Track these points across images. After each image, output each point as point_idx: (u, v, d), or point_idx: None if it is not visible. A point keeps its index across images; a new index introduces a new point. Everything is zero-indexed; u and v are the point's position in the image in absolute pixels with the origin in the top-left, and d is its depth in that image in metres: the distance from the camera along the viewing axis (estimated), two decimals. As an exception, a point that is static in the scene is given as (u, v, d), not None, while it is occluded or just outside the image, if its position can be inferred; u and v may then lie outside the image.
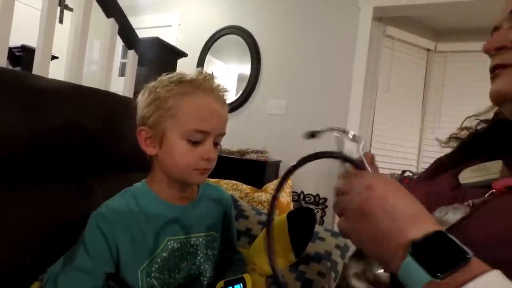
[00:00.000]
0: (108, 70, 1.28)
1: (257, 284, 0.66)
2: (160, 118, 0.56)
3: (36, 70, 1.02)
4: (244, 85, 2.27)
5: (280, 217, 0.77)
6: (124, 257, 0.54)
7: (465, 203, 0.37)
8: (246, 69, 2.28)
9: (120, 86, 1.47)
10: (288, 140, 2.08)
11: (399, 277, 0.29)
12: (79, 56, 1.14)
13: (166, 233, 0.57)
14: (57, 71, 1.23)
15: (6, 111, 0.61)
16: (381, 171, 2.04)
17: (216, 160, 0.60)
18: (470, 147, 0.47)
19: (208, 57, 2.46)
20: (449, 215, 0.36)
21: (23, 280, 0.56)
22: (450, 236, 0.28)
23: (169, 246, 0.57)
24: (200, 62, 2.46)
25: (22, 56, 1.76)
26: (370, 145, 2.02)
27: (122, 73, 2.78)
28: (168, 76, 0.59)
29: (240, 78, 2.36)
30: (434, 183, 0.48)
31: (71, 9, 2.73)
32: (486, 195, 0.36)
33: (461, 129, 0.52)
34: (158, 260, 0.56)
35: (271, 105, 2.16)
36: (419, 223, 0.30)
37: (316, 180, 1.99)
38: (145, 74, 1.38)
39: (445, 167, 0.48)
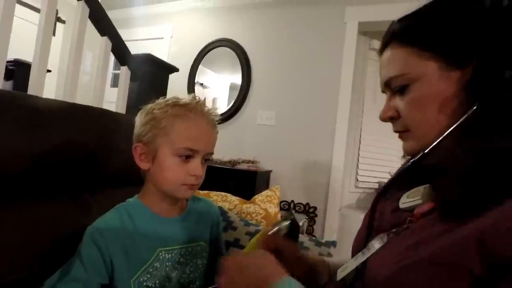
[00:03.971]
0: (102, 86, 1.31)
1: None
2: (154, 136, 0.62)
3: (32, 86, 1.05)
4: (235, 94, 2.32)
5: (265, 229, 0.81)
6: (117, 269, 0.58)
7: (388, 232, 0.44)
8: (237, 79, 2.33)
9: (113, 96, 1.50)
10: (279, 150, 2.13)
11: None
12: (73, 72, 1.18)
13: (158, 245, 0.62)
14: (49, 83, 1.26)
15: (4, 131, 0.64)
16: (369, 179, 2.09)
17: (203, 177, 0.65)
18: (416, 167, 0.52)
19: (200, 67, 2.51)
20: (375, 244, 0.44)
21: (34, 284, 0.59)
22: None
23: (161, 257, 0.61)
24: (192, 73, 2.51)
25: (15, 70, 1.78)
26: (358, 154, 2.08)
27: (114, 84, 2.81)
28: (164, 99, 0.65)
29: (232, 87, 2.41)
30: (382, 203, 0.54)
31: (63, 22, 2.77)
32: (406, 224, 0.43)
33: None
34: (150, 270, 0.60)
35: (262, 115, 2.22)
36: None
37: (306, 189, 2.03)
38: (137, 88, 1.42)
39: (395, 185, 0.53)
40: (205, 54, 2.49)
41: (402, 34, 0.45)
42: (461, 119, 0.39)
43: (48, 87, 1.27)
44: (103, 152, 0.87)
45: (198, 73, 2.51)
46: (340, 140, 1.98)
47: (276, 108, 2.17)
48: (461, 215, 0.36)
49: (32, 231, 0.67)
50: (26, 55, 1.65)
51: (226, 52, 2.39)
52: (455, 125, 0.40)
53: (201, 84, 2.55)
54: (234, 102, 2.31)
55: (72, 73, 1.18)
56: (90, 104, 1.31)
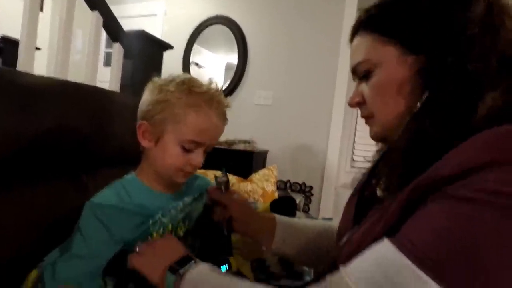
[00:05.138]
0: (94, 64, 1.28)
1: (242, 267, 0.71)
2: (163, 120, 0.60)
3: (21, 63, 1.02)
4: (231, 74, 2.28)
5: (263, 205, 0.83)
6: (126, 236, 0.59)
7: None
8: (233, 58, 2.29)
9: (106, 76, 1.47)
10: (275, 130, 2.12)
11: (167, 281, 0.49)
12: (63, 49, 1.14)
13: (157, 212, 0.62)
14: (39, 61, 1.22)
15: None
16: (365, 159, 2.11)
17: (202, 165, 0.64)
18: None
19: (195, 46, 2.45)
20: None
21: (22, 270, 0.60)
22: (190, 255, 0.51)
23: (162, 221, 0.63)
24: (187, 52, 2.45)
25: (3, 47, 1.72)
26: (355, 134, 2.08)
27: (107, 63, 2.74)
28: (180, 79, 0.62)
29: (228, 67, 2.37)
30: (349, 203, 0.59)
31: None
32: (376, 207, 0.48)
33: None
34: (154, 235, 0.61)
35: (259, 95, 2.19)
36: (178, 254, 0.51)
37: (302, 169, 2.05)
38: (131, 67, 1.38)
39: (362, 185, 0.58)
40: (200, 32, 2.42)
41: (367, 22, 0.49)
42: (418, 106, 0.42)
43: (39, 66, 1.23)
44: (97, 131, 0.85)
45: (193, 52, 2.45)
46: (336, 119, 1.98)
47: (273, 88, 2.15)
48: (396, 189, 0.40)
49: (28, 213, 0.67)
50: (13, 32, 1.59)
51: (221, 30, 2.33)
52: (415, 111, 0.43)
53: (196, 64, 2.49)
54: (230, 82, 2.27)
55: (62, 50, 1.14)
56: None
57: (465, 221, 0.31)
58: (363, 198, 0.55)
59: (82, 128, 0.80)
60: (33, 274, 0.58)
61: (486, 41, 0.39)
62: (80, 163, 0.84)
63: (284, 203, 0.81)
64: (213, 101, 0.60)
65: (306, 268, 0.85)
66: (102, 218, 0.57)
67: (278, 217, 0.70)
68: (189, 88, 0.60)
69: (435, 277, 0.29)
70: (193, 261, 0.50)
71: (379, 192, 0.50)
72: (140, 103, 0.64)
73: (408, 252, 0.32)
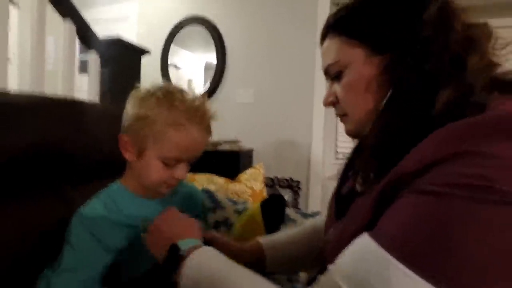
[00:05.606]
0: (70, 73, 1.24)
1: None
2: (143, 136, 0.59)
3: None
4: (211, 73, 2.27)
5: (253, 206, 0.84)
6: (117, 245, 0.59)
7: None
8: (212, 57, 2.27)
9: (81, 84, 1.43)
10: (259, 128, 2.14)
11: None
12: (38, 60, 1.10)
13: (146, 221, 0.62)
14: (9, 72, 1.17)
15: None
16: (348, 150, 2.16)
17: (185, 178, 0.64)
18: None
19: (173, 47, 2.42)
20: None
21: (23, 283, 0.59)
22: (176, 244, 0.50)
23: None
24: (165, 54, 2.42)
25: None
26: (336, 127, 2.13)
27: (81, 69, 2.65)
28: (160, 93, 0.59)
29: (207, 67, 2.35)
30: (332, 198, 0.62)
31: (17, 4, 2.54)
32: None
33: None
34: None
35: (240, 93, 2.20)
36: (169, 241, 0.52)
37: (288, 164, 2.08)
38: (109, 74, 1.35)
39: (340, 180, 0.61)
40: (176, 33, 2.39)
41: (335, 25, 0.51)
42: (383, 103, 0.45)
43: (10, 77, 1.18)
44: (80, 144, 0.84)
45: (170, 54, 2.42)
46: (318, 112, 2.01)
47: (254, 86, 2.16)
48: (373, 183, 0.43)
49: (17, 229, 0.66)
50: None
51: (198, 30, 2.31)
52: (381, 107, 0.45)
53: (175, 66, 2.47)
54: (211, 82, 2.26)
55: (36, 61, 1.11)
56: (59, 94, 1.25)
57: (431, 211, 0.33)
58: (342, 193, 0.57)
59: (65, 142, 0.79)
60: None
61: (439, 42, 0.42)
62: (65, 175, 0.83)
63: (274, 202, 0.83)
64: (195, 117, 0.58)
65: None
66: (90, 229, 0.57)
67: (265, 243, 0.70)
68: (170, 103, 0.58)
69: (412, 266, 0.31)
70: (180, 253, 0.49)
71: (358, 186, 0.52)
72: (123, 114, 0.63)
73: (382, 242, 0.34)
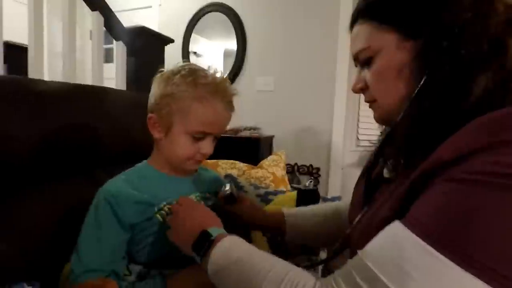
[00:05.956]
0: (100, 65, 1.30)
1: (260, 243, 0.77)
2: (170, 113, 0.62)
3: (31, 69, 1.05)
4: (230, 61, 2.28)
5: (290, 193, 0.91)
6: (133, 221, 0.60)
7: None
8: (231, 44, 2.28)
9: (107, 73, 1.48)
10: (279, 115, 2.14)
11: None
12: (70, 52, 1.16)
13: (168, 197, 0.63)
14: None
15: (15, 117, 0.66)
16: (369, 137, 2.13)
17: (212, 152, 0.66)
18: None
19: (193, 36, 2.44)
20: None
21: (58, 264, 0.65)
22: (208, 230, 0.52)
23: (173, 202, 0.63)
24: (185, 42, 2.45)
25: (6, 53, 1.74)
26: (358, 114, 2.10)
27: (106, 59, 2.74)
28: (185, 71, 0.62)
29: (226, 54, 2.36)
30: (359, 185, 0.62)
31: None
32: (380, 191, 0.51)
33: None
34: (163, 213, 0.62)
35: (260, 81, 2.20)
36: (199, 229, 0.53)
37: (309, 151, 2.08)
38: (134, 64, 1.40)
39: (369, 166, 0.60)
40: (196, 21, 2.41)
41: (365, 10, 0.50)
42: (416, 90, 0.44)
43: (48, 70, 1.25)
44: (109, 129, 0.89)
45: (191, 42, 2.45)
46: (340, 99, 1.99)
47: (274, 74, 2.15)
48: (402, 171, 0.43)
49: (52, 209, 0.71)
50: (14, 37, 1.60)
51: (218, 17, 2.31)
52: (414, 94, 0.44)
53: (195, 53, 2.50)
54: (231, 70, 2.28)
55: (68, 53, 1.17)
56: (90, 83, 1.31)
57: (464, 199, 0.33)
58: (371, 179, 0.57)
59: (95, 127, 0.85)
60: (67, 266, 0.62)
61: (477, 25, 0.40)
62: (95, 160, 0.89)
63: (309, 194, 0.90)
64: (218, 92, 0.61)
65: None
66: (111, 202, 0.59)
67: (287, 211, 0.74)
68: (194, 80, 0.60)
69: (445, 251, 0.32)
70: (211, 237, 0.51)
71: (385, 173, 0.53)
72: (149, 95, 0.66)
73: (415, 229, 0.34)
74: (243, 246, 0.50)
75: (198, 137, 0.62)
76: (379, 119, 0.54)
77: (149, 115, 0.65)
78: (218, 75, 0.64)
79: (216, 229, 0.53)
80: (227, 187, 0.70)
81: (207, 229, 0.52)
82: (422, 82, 0.43)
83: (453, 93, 0.40)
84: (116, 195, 0.60)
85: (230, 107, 0.65)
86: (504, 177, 0.31)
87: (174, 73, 0.62)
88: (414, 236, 0.34)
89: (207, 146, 0.64)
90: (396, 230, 0.37)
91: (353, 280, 0.37)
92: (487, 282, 0.30)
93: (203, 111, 0.60)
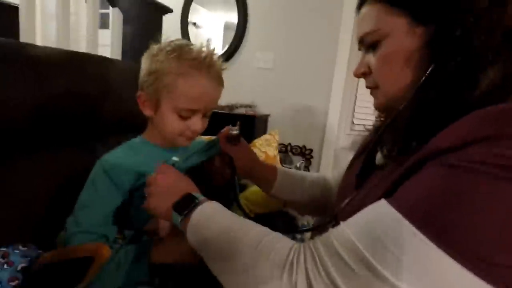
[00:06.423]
0: (94, 30, 1.26)
1: None
2: (157, 90, 0.62)
3: (23, 32, 1.01)
4: (230, 34, 2.22)
5: None
6: (132, 188, 0.63)
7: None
8: (232, 17, 2.21)
9: (102, 39, 1.44)
10: (276, 94, 2.13)
11: (174, 221, 0.52)
12: (63, 16, 1.12)
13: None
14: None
15: (9, 83, 0.65)
16: (365, 122, 2.14)
17: (203, 129, 0.66)
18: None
19: (193, 5, 2.36)
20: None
21: (52, 231, 0.67)
22: (193, 194, 0.52)
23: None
24: (185, 12, 2.37)
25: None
26: (356, 97, 2.09)
27: (102, 25, 2.64)
28: (170, 46, 0.61)
29: (226, 27, 2.30)
30: (352, 168, 0.62)
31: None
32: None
33: None
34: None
35: (259, 57, 2.16)
36: (181, 192, 0.53)
37: (303, 132, 2.09)
38: (131, 32, 1.35)
39: (365, 151, 0.59)
40: (197, -10, 2.31)
41: None
42: (423, 78, 0.42)
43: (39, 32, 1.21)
44: (104, 99, 0.88)
45: (191, 12, 2.37)
46: (338, 82, 1.97)
47: (274, 50, 2.11)
48: (401, 156, 0.42)
49: (47, 177, 0.72)
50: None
51: (219, -14, 2.22)
52: (420, 82, 0.43)
53: (194, 24, 2.42)
54: (231, 44, 2.22)
55: (62, 16, 1.12)
56: (84, 49, 1.27)
57: (452, 181, 0.33)
58: (364, 164, 0.57)
59: (90, 96, 0.84)
60: (62, 234, 0.65)
61: (494, 15, 0.38)
62: (92, 131, 0.88)
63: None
64: (203, 66, 0.60)
65: (296, 213, 0.95)
66: (109, 171, 0.62)
67: (279, 167, 0.77)
68: (178, 55, 0.60)
69: (426, 231, 0.32)
70: (196, 200, 0.51)
71: (378, 160, 0.53)
72: (140, 71, 0.66)
73: (399, 206, 0.35)
74: (224, 212, 0.51)
75: (186, 115, 0.62)
76: (379, 106, 0.53)
77: (138, 92, 0.65)
78: (205, 49, 0.62)
79: (199, 195, 0.53)
80: (237, 126, 0.71)
81: (191, 192, 0.53)
82: (429, 71, 0.42)
83: (460, 84, 0.39)
84: (115, 165, 0.63)
85: (217, 81, 0.64)
86: (494, 166, 0.31)
87: (160, 49, 0.62)
88: (396, 213, 0.35)
89: (197, 123, 0.64)
90: (380, 207, 0.37)
91: (333, 248, 0.38)
92: (462, 263, 0.31)
93: (187, 86, 0.60)
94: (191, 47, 0.62)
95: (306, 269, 0.38)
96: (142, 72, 0.64)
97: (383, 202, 0.38)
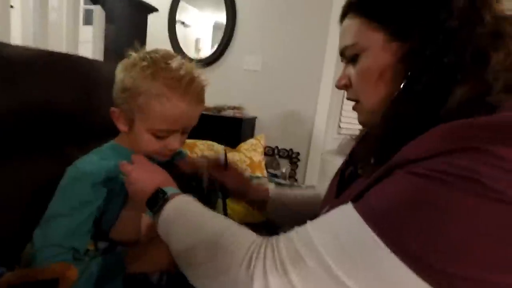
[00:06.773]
0: (75, 27, 1.21)
1: None
2: (130, 109, 0.58)
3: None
4: (219, 35, 2.20)
5: None
6: (102, 202, 0.60)
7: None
8: (221, 17, 2.19)
9: (86, 36, 1.39)
10: (264, 97, 2.11)
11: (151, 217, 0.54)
12: (42, 9, 1.07)
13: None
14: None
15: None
16: (351, 125, 2.15)
17: (182, 145, 0.64)
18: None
19: (181, 3, 2.32)
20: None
21: (20, 243, 0.63)
22: (164, 189, 0.52)
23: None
24: (173, 11, 2.32)
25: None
26: (342, 101, 2.10)
27: (86, 21, 2.57)
28: (146, 61, 0.56)
29: (215, 27, 2.27)
30: (334, 178, 0.63)
31: None
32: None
33: None
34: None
35: (247, 60, 2.14)
36: (155, 185, 0.53)
37: (290, 135, 2.08)
38: (114, 31, 1.31)
39: (345, 163, 0.61)
40: (186, -11, 2.28)
41: (357, 4, 0.48)
42: (395, 93, 0.44)
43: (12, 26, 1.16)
44: (83, 103, 0.85)
45: (179, 10, 2.32)
46: (325, 87, 1.98)
47: (262, 53, 2.10)
48: (373, 169, 0.43)
49: (19, 186, 0.68)
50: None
51: (208, -14, 2.19)
52: (393, 97, 0.44)
53: (183, 23, 2.38)
54: (219, 45, 2.20)
55: (40, 11, 1.08)
56: (63, 47, 1.23)
57: (415, 191, 0.34)
58: (345, 175, 0.59)
59: (68, 100, 0.80)
60: (28, 247, 0.61)
61: (463, 35, 0.39)
62: (69, 136, 0.84)
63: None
64: (179, 87, 0.55)
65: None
66: (82, 178, 0.58)
67: (271, 189, 0.78)
68: (153, 73, 0.54)
69: (377, 229, 0.34)
70: (166, 196, 0.52)
71: (359, 170, 0.53)
72: (114, 84, 0.61)
73: (361, 209, 0.37)
74: (193, 204, 0.52)
75: (162, 135, 0.59)
76: (362, 123, 0.54)
77: (112, 108, 0.61)
78: (183, 67, 0.57)
79: (170, 188, 0.54)
80: (222, 156, 0.73)
81: (162, 187, 0.53)
82: (402, 86, 0.43)
83: (429, 101, 0.40)
84: (86, 172, 0.59)
85: (196, 101, 0.59)
86: (454, 177, 0.32)
87: (134, 63, 0.57)
88: (357, 215, 0.36)
89: (174, 142, 0.60)
90: (344, 209, 0.39)
91: (292, 245, 0.39)
92: (416, 271, 0.31)
93: (163, 109, 0.55)
94: (168, 62, 0.56)
95: (264, 263, 0.39)
96: (116, 86, 0.59)
97: (348, 205, 0.39)
